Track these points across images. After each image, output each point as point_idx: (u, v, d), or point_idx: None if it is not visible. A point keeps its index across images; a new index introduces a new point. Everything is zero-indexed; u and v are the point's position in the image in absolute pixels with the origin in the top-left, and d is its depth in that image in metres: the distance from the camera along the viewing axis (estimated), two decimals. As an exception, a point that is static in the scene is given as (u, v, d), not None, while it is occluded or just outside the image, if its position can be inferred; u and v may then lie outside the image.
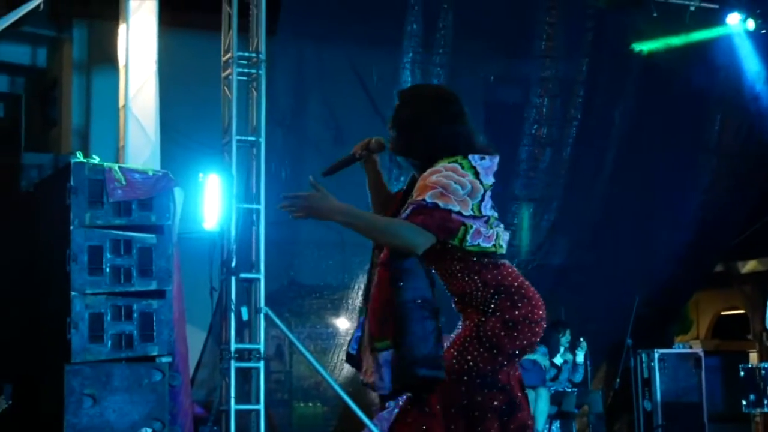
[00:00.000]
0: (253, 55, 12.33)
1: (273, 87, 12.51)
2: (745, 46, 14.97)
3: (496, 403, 4.36)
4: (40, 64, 18.15)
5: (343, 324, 13.53)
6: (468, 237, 4.44)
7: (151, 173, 11.63)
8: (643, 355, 13.72)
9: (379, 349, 4.54)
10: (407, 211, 4.46)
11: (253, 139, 12.23)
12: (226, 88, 12.34)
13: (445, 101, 4.72)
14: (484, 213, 4.48)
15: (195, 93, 13.42)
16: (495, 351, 4.39)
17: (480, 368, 4.37)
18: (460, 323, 4.58)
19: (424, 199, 4.40)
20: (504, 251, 4.56)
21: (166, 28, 12.83)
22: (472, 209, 4.43)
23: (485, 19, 13.40)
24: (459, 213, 4.39)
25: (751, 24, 14.40)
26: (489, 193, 4.52)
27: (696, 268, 16.41)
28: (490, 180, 4.53)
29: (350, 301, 13.48)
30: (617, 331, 13.99)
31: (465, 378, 4.37)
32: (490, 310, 4.43)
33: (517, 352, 4.45)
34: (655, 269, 15.25)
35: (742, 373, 13.01)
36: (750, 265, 22.20)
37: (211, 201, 12.30)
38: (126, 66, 12.46)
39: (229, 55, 12.28)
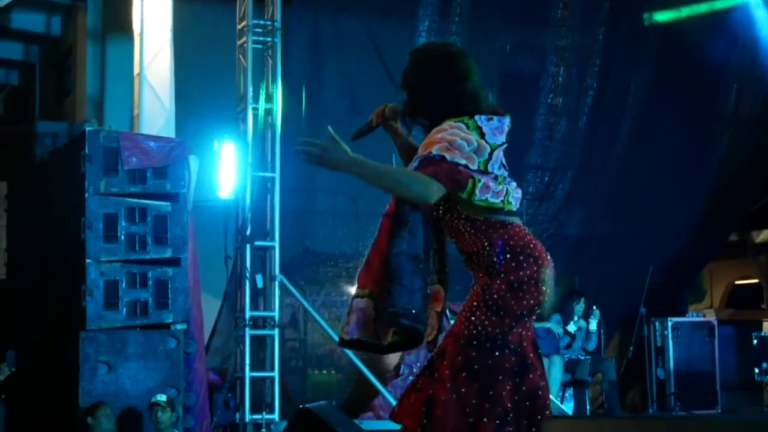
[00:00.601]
0: (269, 23, 12.28)
1: (288, 55, 12.45)
2: (762, 16, 14.87)
3: (507, 365, 4.34)
4: (55, 32, 18.12)
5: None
6: (477, 191, 4.42)
7: (165, 141, 11.63)
8: (657, 323, 13.71)
9: (357, 295, 4.62)
10: (415, 164, 4.45)
11: (269, 107, 12.20)
12: (241, 56, 12.30)
13: (448, 60, 4.67)
14: (491, 171, 4.47)
15: (210, 61, 13.38)
16: (502, 313, 4.36)
17: (489, 332, 4.35)
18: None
19: (431, 152, 4.40)
20: (514, 208, 4.53)
21: (181, -4, 12.82)
22: (479, 166, 4.42)
23: (502, -11, 13.38)
24: (466, 167, 4.38)
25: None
26: (498, 152, 4.51)
27: (710, 238, 16.38)
28: (497, 140, 4.50)
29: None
30: (631, 300, 13.97)
31: (475, 343, 4.34)
32: (495, 271, 4.40)
33: (524, 312, 4.41)
34: (669, 239, 15.23)
35: (755, 342, 13.02)
36: (764, 235, 22.20)
37: (226, 169, 12.29)
38: (141, 34, 12.43)
39: (244, 23, 12.23)
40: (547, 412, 4.39)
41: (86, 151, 11.03)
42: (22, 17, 17.46)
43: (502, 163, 4.53)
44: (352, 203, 13.23)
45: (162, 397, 10.44)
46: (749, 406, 13.93)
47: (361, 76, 13.01)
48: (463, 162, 4.37)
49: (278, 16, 12.29)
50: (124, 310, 11.00)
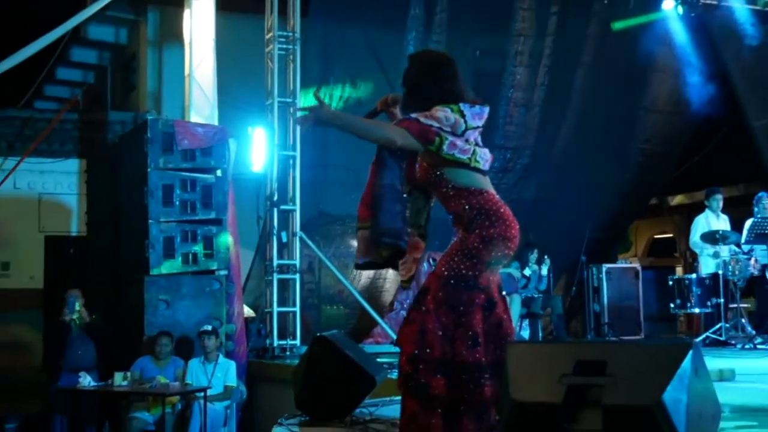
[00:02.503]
0: (290, 33, 12.29)
1: (305, 59, 12.43)
2: (677, 27, 14.85)
3: (477, 300, 4.35)
4: (122, 42, 18.09)
5: (361, 245, 13.54)
6: (444, 146, 4.39)
7: (210, 127, 11.63)
8: (594, 268, 13.74)
9: (358, 228, 4.68)
10: (395, 122, 4.57)
11: (290, 100, 12.19)
12: (269, 60, 12.29)
13: (439, 64, 4.69)
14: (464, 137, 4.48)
15: (244, 64, 13.34)
16: (475, 260, 4.36)
17: (463, 274, 4.34)
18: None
19: (409, 116, 4.49)
20: (481, 166, 4.50)
21: (222, 12, 12.76)
22: (453, 131, 4.43)
23: (473, 5, 13.29)
24: (439, 128, 4.39)
25: (683, 9, 14.25)
26: (474, 132, 4.50)
27: (636, 201, 16.40)
28: (475, 123, 4.50)
29: (366, 228, 13.48)
30: (574, 250, 13.98)
31: (452, 282, 4.35)
32: (471, 228, 4.40)
33: (492, 261, 4.41)
34: (603, 202, 15.22)
35: (670, 283, 12.99)
36: (677, 199, 22.19)
37: (258, 149, 12.29)
38: (190, 43, 12.40)
39: (271, 34, 12.23)
40: (510, 338, 4.42)
41: (148, 135, 11.07)
42: (97, 30, 17.42)
43: (476, 139, 4.52)
44: (356, 175, 13.12)
45: (209, 327, 10.50)
46: (666, 333, 14.00)
47: (362, 75, 12.99)
48: (437, 125, 4.39)
49: (297, 28, 12.30)
50: (179, 259, 11.05)
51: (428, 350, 4.28)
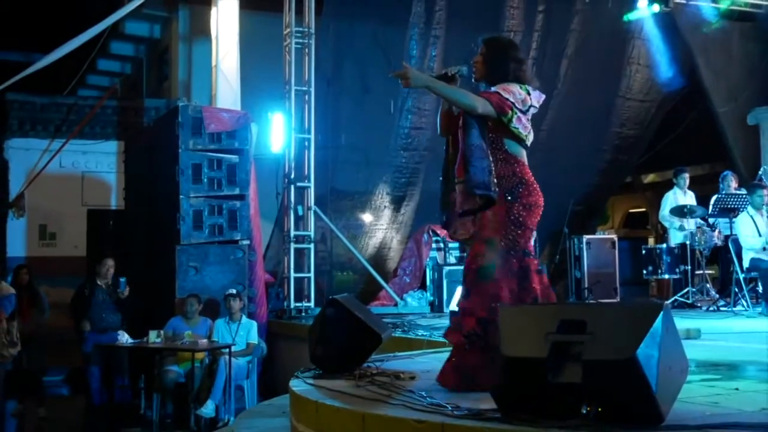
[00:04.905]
0: (305, 29, 12.25)
1: (319, 52, 12.38)
2: (651, 27, 14.77)
3: (531, 266, 4.46)
4: (156, 36, 18.08)
5: (368, 218, 13.52)
6: (513, 119, 4.50)
7: (234, 113, 11.60)
8: (575, 239, 13.70)
9: (457, 182, 4.64)
10: (480, 91, 4.63)
11: (306, 89, 12.17)
12: (286, 53, 12.26)
13: (514, 48, 4.83)
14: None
15: (265, 56, 13.30)
16: (524, 228, 4.46)
17: (518, 242, 4.44)
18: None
19: (491, 89, 4.56)
20: (528, 144, 4.61)
21: (245, 10, 12.74)
22: (523, 107, 4.54)
23: (468, 3, 13.21)
24: (513, 103, 4.49)
25: (656, 8, 14.15)
26: (533, 111, 4.61)
27: (612, 179, 16.36)
28: (535, 103, 4.61)
29: (372, 203, 13.46)
30: (558, 223, 13.94)
31: (512, 252, 4.43)
32: (514, 195, 4.47)
33: (533, 227, 4.52)
34: (584, 179, 15.20)
35: (643, 252, 12.98)
36: (650, 177, 22.20)
37: (277, 132, 12.28)
38: (216, 37, 12.38)
39: (288, 29, 12.19)
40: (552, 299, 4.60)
41: (179, 119, 11.05)
42: (133, 25, 17.40)
43: (529, 120, 4.62)
44: (364, 156, 13.20)
45: (233, 291, 10.51)
46: (639, 296, 13.97)
47: (370, 67, 12.92)
48: (511, 100, 4.49)
49: (312, 24, 12.28)
50: (207, 230, 11.05)
51: (489, 310, 4.34)
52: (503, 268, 4.42)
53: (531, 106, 4.58)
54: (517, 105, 4.49)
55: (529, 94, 4.56)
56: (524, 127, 4.54)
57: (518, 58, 4.74)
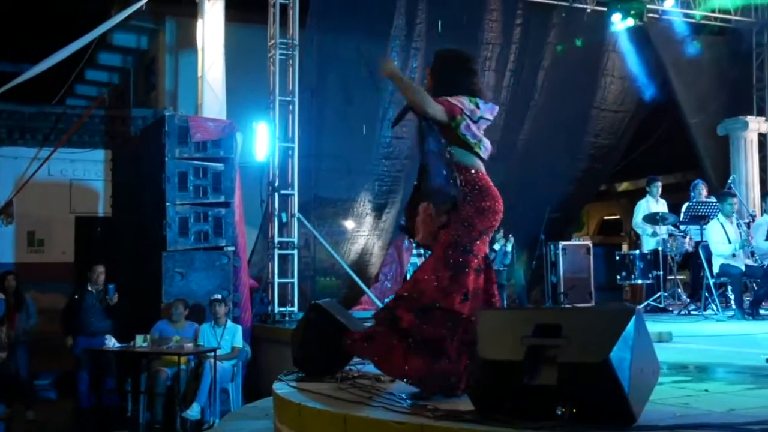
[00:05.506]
0: (290, 41, 12.25)
1: (303, 63, 12.38)
2: (624, 41, 14.85)
3: (472, 264, 4.42)
4: (143, 47, 18.04)
5: (350, 225, 13.52)
6: (461, 126, 4.51)
7: (219, 122, 11.57)
8: (552, 245, 13.76)
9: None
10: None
11: (290, 99, 12.16)
12: (271, 64, 12.25)
13: (466, 61, 4.81)
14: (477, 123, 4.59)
15: (250, 67, 13.28)
16: (471, 228, 4.43)
17: (461, 240, 4.41)
18: None
19: (441, 96, 4.57)
20: (482, 154, 4.59)
21: (230, 23, 12.69)
22: (471, 116, 4.55)
23: (448, 17, 13.25)
24: (462, 109, 4.51)
25: (630, 22, 14.23)
26: (484, 122, 4.61)
27: (588, 187, 16.41)
28: (486, 116, 4.61)
29: (355, 210, 13.46)
30: (535, 230, 14.00)
31: (452, 245, 4.42)
32: (466, 200, 4.46)
33: (483, 230, 4.49)
34: (560, 187, 15.24)
35: (617, 258, 13.05)
36: (624, 186, 22.33)
37: (261, 141, 12.24)
38: (202, 49, 12.33)
39: (273, 41, 12.18)
40: (494, 299, 4.53)
41: (166, 128, 11.02)
42: (121, 37, 17.37)
43: (482, 131, 4.62)
44: (346, 164, 13.20)
45: (219, 296, 10.49)
46: (613, 301, 14.04)
47: (352, 78, 12.91)
48: (461, 106, 4.52)
49: (296, 36, 12.28)
50: (192, 237, 11.02)
51: (415, 295, 4.39)
52: (439, 257, 4.44)
53: (481, 117, 4.58)
54: (466, 112, 4.51)
55: (478, 106, 4.57)
56: (473, 135, 4.54)
57: (470, 69, 4.75)
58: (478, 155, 4.58)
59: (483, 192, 4.51)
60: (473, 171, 4.55)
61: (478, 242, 4.47)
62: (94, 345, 10.44)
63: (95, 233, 14.59)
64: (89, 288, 11.08)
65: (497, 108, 4.72)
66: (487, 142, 4.62)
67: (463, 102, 4.52)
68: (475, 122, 4.54)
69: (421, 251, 13.03)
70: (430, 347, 4.29)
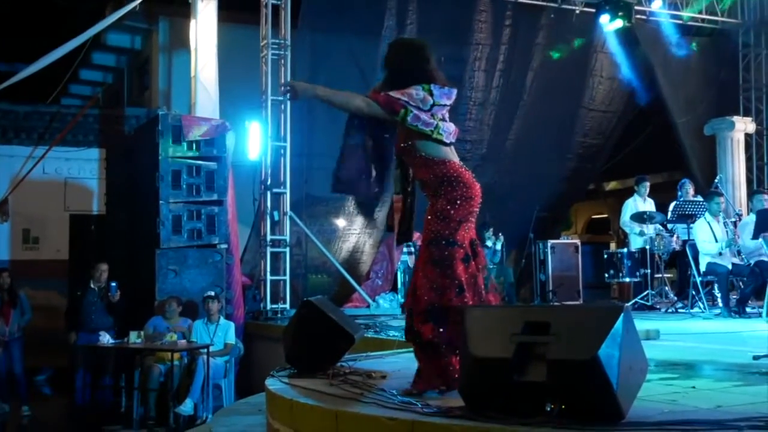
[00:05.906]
0: (282, 41, 12.26)
1: (295, 63, 12.37)
2: (614, 43, 14.87)
3: (457, 255, 4.34)
4: (137, 47, 18.01)
5: (341, 223, 13.50)
6: (408, 117, 4.37)
7: (212, 121, 11.54)
8: (540, 244, 13.76)
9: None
10: (368, 93, 4.54)
11: (282, 98, 12.14)
12: (263, 64, 12.25)
13: (417, 49, 4.63)
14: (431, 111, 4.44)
15: (242, 67, 13.26)
16: (447, 220, 4.35)
17: (441, 233, 4.34)
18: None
19: (383, 91, 4.47)
20: (444, 138, 4.43)
21: (223, 23, 12.67)
22: (420, 106, 4.39)
23: (438, 18, 13.25)
24: (406, 102, 4.37)
25: (618, 23, 14.24)
26: (442, 109, 4.46)
27: (576, 187, 16.44)
28: (443, 101, 4.46)
29: (346, 208, 13.43)
30: (524, 228, 14.00)
31: (434, 242, 4.35)
32: (438, 194, 4.39)
33: (461, 219, 4.39)
34: (549, 187, 15.26)
35: (605, 256, 13.05)
36: (612, 185, 22.35)
37: (254, 140, 12.22)
38: (195, 49, 12.30)
39: (265, 41, 12.18)
40: (484, 291, 4.45)
41: (159, 128, 11.00)
42: (115, 37, 17.33)
43: (443, 116, 4.47)
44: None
45: (212, 293, 10.47)
46: (601, 299, 14.04)
47: (344, 78, 12.85)
48: (404, 99, 4.37)
49: (288, 36, 12.29)
50: (186, 234, 11.00)
51: (418, 303, 4.34)
52: (424, 257, 4.41)
53: (435, 104, 4.42)
54: (411, 103, 4.36)
55: (431, 93, 4.41)
56: (425, 123, 4.39)
57: (423, 57, 4.57)
58: (442, 142, 4.46)
59: (453, 182, 4.39)
60: (438, 160, 4.43)
61: (459, 231, 4.38)
62: (95, 342, 10.41)
63: (89, 231, 14.53)
64: (92, 285, 11.06)
65: (455, 91, 4.55)
66: (448, 126, 4.48)
67: (410, 93, 4.38)
68: (427, 111, 4.39)
69: (411, 249, 13.05)
70: (456, 345, 4.25)
